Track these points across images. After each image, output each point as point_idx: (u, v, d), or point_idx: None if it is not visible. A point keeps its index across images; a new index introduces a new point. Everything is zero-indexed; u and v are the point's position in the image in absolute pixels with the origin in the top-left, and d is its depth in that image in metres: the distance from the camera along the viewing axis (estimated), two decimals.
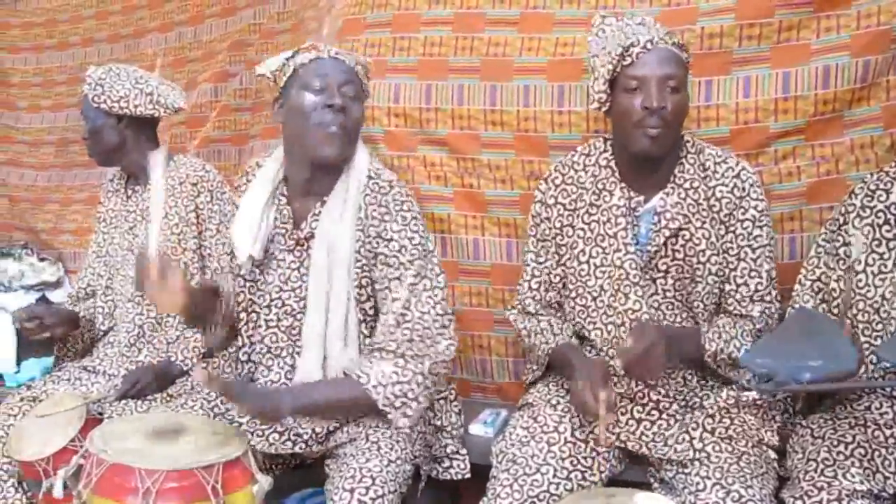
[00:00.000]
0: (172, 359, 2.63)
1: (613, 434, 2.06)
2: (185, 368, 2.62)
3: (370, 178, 2.13)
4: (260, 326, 2.19)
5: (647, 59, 2.03)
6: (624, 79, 2.05)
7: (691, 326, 2.12)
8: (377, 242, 2.08)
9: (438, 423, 2.29)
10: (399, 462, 2.04)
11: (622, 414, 2.09)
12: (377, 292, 2.10)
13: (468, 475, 2.26)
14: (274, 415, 2.00)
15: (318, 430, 2.12)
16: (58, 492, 1.84)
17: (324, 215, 2.11)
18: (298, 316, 2.14)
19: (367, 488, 1.92)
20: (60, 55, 4.58)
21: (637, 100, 2.02)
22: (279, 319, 2.17)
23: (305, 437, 2.12)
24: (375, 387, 1.99)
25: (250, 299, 2.19)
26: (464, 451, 2.29)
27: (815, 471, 1.89)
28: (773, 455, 2.05)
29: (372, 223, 2.09)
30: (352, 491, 1.91)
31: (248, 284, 2.19)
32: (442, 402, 2.30)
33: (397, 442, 2.08)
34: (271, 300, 2.17)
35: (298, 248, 2.15)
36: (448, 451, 2.28)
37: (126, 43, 4.31)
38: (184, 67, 4.00)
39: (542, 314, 2.27)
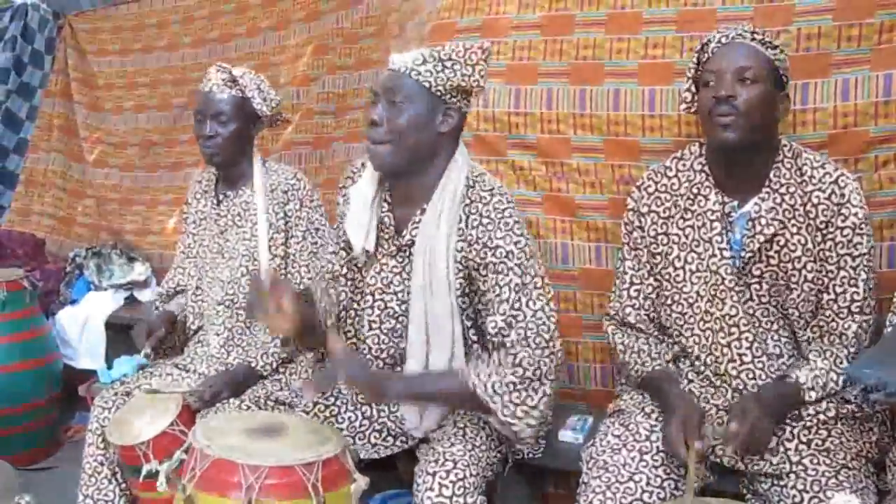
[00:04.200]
0: (252, 364, 2.64)
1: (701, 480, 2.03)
2: (263, 374, 2.63)
3: (469, 186, 2.09)
4: (363, 327, 2.20)
5: (722, 52, 2.07)
6: (702, 74, 2.09)
7: (788, 382, 2.04)
8: (484, 253, 2.03)
9: None
10: (483, 448, 2.06)
11: (718, 425, 2.05)
12: (483, 299, 2.05)
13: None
14: (378, 398, 2.06)
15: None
16: (161, 486, 1.88)
17: (422, 225, 2.09)
18: (401, 319, 2.15)
19: (449, 472, 1.94)
20: (144, 58, 4.67)
21: (711, 93, 2.04)
22: (381, 322, 2.17)
23: (406, 435, 2.18)
24: (488, 391, 1.97)
25: (351, 298, 2.22)
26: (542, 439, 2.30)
27: None
28: (871, 469, 2.00)
29: (472, 231, 2.05)
30: (433, 474, 1.94)
31: (349, 284, 2.22)
32: None
33: (482, 428, 2.09)
34: (374, 301, 2.17)
35: (400, 254, 2.14)
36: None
37: (210, 47, 4.38)
38: (267, 71, 4.05)
39: (642, 326, 2.24)
